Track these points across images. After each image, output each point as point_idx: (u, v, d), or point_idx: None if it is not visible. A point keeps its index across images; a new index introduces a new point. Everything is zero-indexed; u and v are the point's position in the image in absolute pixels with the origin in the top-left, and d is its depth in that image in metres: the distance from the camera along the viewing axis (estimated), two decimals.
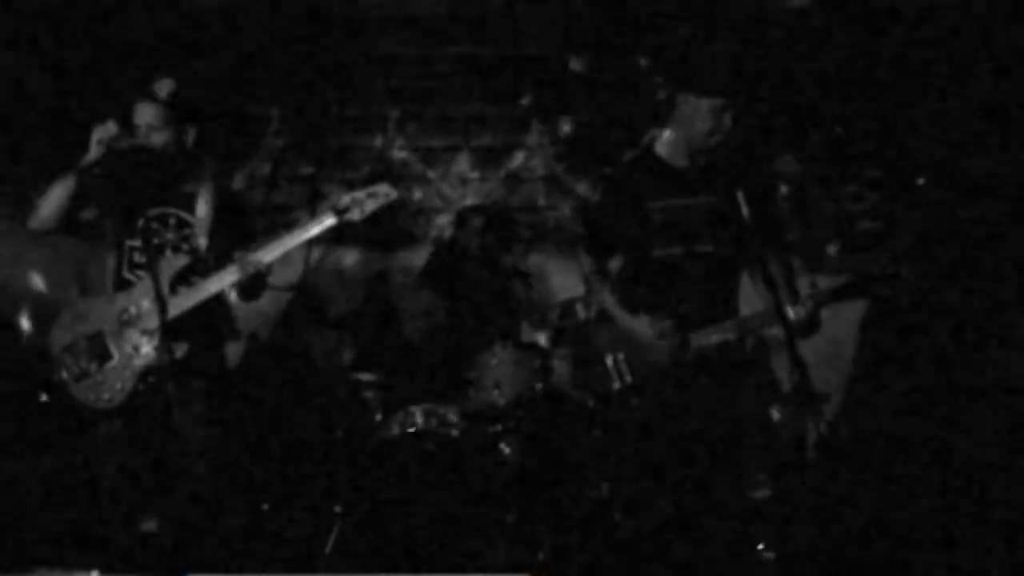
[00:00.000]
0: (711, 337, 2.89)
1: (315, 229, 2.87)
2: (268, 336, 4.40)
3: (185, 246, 2.93)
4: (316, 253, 4.62)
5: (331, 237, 4.61)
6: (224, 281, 2.86)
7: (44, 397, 3.18)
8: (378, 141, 4.86)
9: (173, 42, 4.69)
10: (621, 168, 3.07)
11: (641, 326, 2.91)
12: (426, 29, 4.78)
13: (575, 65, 4.54)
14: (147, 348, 2.82)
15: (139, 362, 2.82)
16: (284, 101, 4.84)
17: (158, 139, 2.88)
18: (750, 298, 3.00)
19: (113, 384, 2.82)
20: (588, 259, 3.12)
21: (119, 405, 2.82)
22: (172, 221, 2.95)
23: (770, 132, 4.50)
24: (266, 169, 4.83)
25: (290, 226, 2.96)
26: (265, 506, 3.72)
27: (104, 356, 2.85)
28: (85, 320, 2.88)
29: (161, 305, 2.64)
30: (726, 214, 2.81)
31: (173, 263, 2.89)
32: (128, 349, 2.84)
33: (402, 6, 4.72)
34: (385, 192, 2.90)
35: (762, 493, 3.70)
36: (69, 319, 2.90)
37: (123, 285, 2.94)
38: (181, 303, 2.83)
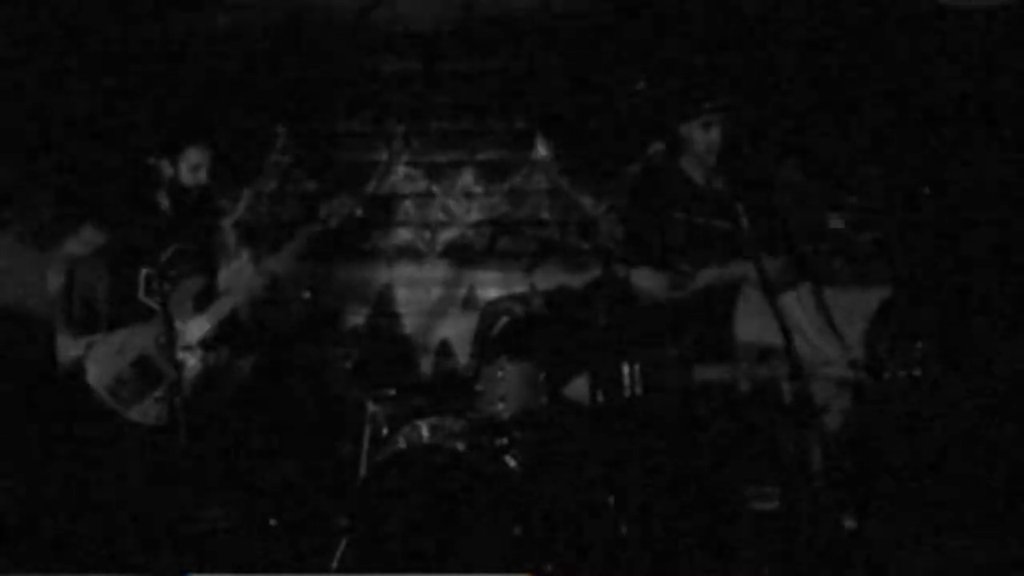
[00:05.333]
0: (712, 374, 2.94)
1: (305, 236, 3.36)
2: (276, 350, 4.43)
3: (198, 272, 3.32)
4: (323, 268, 4.67)
5: (338, 252, 4.72)
6: (241, 292, 3.29)
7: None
8: (384, 157, 4.91)
9: (179, 61, 4.76)
10: (648, 174, 3.12)
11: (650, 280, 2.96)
12: (430, 45, 4.83)
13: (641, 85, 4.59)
14: (193, 361, 3.15)
15: (188, 375, 3.12)
16: (290, 118, 4.89)
17: (195, 179, 3.27)
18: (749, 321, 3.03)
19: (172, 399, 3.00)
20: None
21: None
22: (189, 255, 3.31)
23: (770, 142, 4.52)
24: (273, 186, 4.88)
25: (288, 238, 3.38)
26: (273, 521, 3.74)
27: (154, 377, 3.10)
28: (124, 350, 3.10)
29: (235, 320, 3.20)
30: (737, 240, 2.84)
31: (194, 285, 3.26)
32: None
33: (407, 22, 4.77)
34: (351, 201, 3.43)
35: (769, 505, 3.72)
36: (104, 354, 3.09)
37: (140, 308, 3.20)
38: (212, 317, 3.22)
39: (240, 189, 4.85)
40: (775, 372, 2.85)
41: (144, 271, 3.21)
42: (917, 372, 2.58)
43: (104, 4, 4.53)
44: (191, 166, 3.23)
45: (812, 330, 2.91)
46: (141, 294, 3.21)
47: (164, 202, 3.30)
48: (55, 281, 3.18)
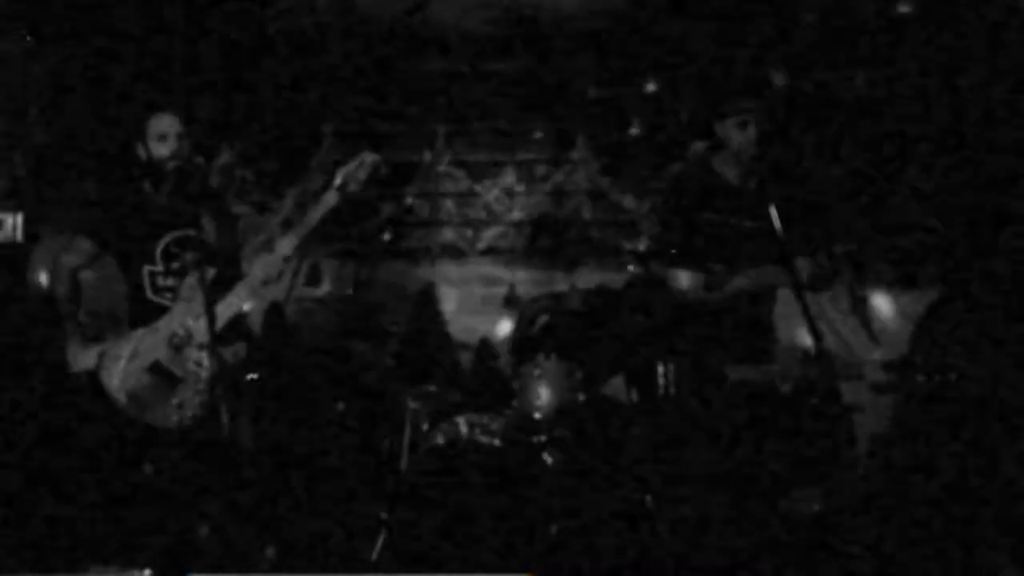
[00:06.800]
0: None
1: (322, 211, 3.05)
2: (319, 347, 4.52)
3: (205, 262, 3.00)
4: (365, 267, 4.75)
5: (382, 250, 4.79)
6: (256, 280, 2.99)
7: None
8: (427, 156, 4.97)
9: (230, 66, 4.88)
10: (686, 175, 3.13)
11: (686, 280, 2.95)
12: (472, 46, 4.88)
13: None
14: (209, 360, 2.89)
15: (206, 374, 2.92)
16: (336, 118, 4.98)
17: (163, 151, 3.00)
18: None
19: (192, 401, 2.93)
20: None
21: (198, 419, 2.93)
22: (188, 243, 3.06)
23: (812, 144, 4.47)
24: (319, 184, 4.97)
25: (304, 215, 3.10)
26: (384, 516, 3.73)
27: (171, 381, 2.94)
28: (137, 356, 2.95)
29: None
30: (773, 239, 2.83)
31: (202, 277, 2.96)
32: (191, 367, 2.94)
33: (448, 24, 4.82)
34: (370, 160, 3.11)
35: (814, 507, 3.69)
36: (117, 361, 2.95)
37: (148, 308, 3.04)
38: (225, 311, 2.96)
39: (285, 188, 4.96)
40: (813, 373, 2.83)
41: (147, 268, 3.05)
42: (952, 376, 2.55)
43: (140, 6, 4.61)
44: (158, 136, 2.99)
45: (847, 331, 2.89)
46: (149, 293, 3.05)
47: (148, 189, 3.08)
48: (60, 291, 3.05)
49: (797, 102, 4.36)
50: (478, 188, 4.96)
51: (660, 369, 3.03)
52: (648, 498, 3.48)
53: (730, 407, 2.98)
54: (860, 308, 2.96)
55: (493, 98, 4.90)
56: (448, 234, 4.96)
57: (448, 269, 4.92)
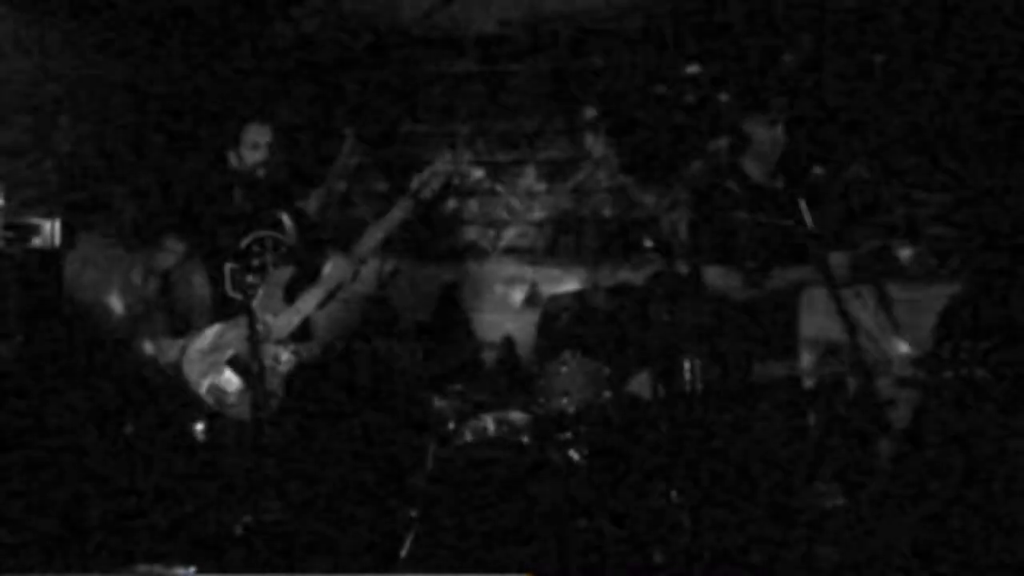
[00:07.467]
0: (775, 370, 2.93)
1: (399, 215, 3.22)
2: (344, 345, 4.56)
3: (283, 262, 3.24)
4: (389, 265, 4.79)
5: (406, 249, 4.84)
6: (333, 280, 3.18)
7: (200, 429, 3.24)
8: (448, 156, 5.00)
9: (254, 67, 4.93)
10: (711, 173, 3.14)
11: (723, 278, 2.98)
12: (492, 46, 4.91)
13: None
14: (287, 355, 3.09)
15: (283, 369, 3.09)
16: (358, 121, 5.02)
17: (255, 158, 3.15)
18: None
19: (267, 395, 2.99)
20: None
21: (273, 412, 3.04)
22: (269, 243, 3.24)
23: (835, 138, 4.47)
24: (342, 186, 5.02)
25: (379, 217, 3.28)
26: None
27: (249, 375, 3.01)
28: (217, 350, 3.09)
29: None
30: (802, 238, 2.85)
31: (281, 276, 3.18)
32: (269, 362, 3.05)
33: (469, 25, 4.86)
34: (444, 168, 3.29)
35: (834, 501, 3.70)
36: (199, 353, 3.08)
37: (228, 303, 3.19)
38: (303, 308, 3.16)
39: (310, 190, 5.01)
40: (838, 368, 2.84)
41: (229, 266, 3.20)
42: (980, 372, 2.55)
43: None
44: (251, 144, 3.16)
45: (873, 327, 2.90)
46: (229, 289, 3.20)
47: (238, 194, 3.24)
48: (150, 288, 3.23)
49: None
50: (499, 187, 4.99)
51: (686, 365, 3.05)
52: (674, 494, 3.51)
53: (755, 403, 2.99)
54: (887, 303, 2.95)
55: (514, 97, 4.92)
56: (470, 233, 5.00)
57: (471, 268, 4.95)
